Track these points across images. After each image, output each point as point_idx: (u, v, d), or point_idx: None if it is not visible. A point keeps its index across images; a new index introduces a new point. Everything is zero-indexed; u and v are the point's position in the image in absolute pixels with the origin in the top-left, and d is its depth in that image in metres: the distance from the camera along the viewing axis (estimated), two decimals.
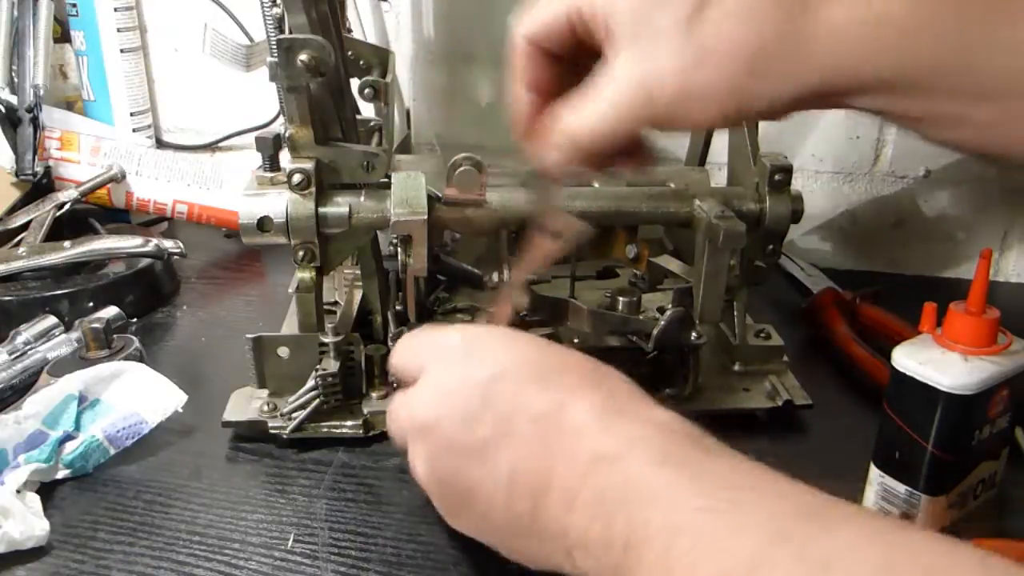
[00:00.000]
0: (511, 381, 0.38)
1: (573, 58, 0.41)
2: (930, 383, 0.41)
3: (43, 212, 0.81)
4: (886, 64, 0.35)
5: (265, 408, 0.56)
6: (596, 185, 0.60)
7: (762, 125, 0.61)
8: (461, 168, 0.50)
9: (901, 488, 0.44)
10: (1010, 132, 0.35)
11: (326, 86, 0.52)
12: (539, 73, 0.42)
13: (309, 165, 0.53)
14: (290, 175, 0.53)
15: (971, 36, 0.34)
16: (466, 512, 0.40)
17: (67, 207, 0.83)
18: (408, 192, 0.52)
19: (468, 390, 0.39)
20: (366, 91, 0.58)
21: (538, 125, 0.43)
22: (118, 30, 0.92)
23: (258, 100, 0.92)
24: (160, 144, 1.00)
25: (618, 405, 0.37)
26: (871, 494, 0.45)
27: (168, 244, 0.77)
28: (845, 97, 0.37)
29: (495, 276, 0.56)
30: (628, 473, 0.33)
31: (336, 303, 0.68)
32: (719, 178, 0.69)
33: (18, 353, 0.63)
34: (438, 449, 0.40)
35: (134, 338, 0.64)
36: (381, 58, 0.64)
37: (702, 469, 0.33)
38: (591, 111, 0.39)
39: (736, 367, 0.63)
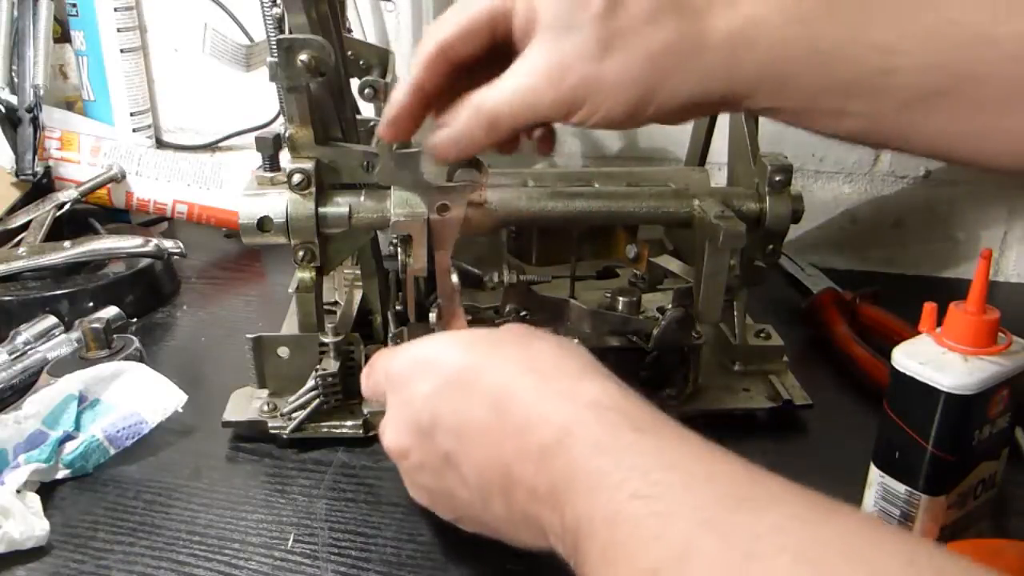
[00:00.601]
0: (452, 388, 0.39)
1: (472, 64, 0.44)
2: (930, 383, 0.41)
3: (43, 212, 0.81)
4: (762, 64, 0.39)
5: (265, 408, 0.56)
6: (596, 186, 0.60)
7: (762, 125, 0.61)
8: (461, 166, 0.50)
9: (901, 488, 0.44)
10: (884, 126, 0.39)
11: (326, 86, 0.52)
12: (436, 77, 0.44)
13: (309, 165, 0.53)
14: (290, 175, 0.53)
15: (833, 37, 0.38)
16: (461, 515, 0.42)
17: (67, 207, 0.83)
18: (408, 192, 0.52)
19: (416, 410, 0.41)
20: (366, 91, 0.58)
21: (410, 124, 0.46)
22: (118, 30, 0.92)
23: (258, 100, 0.92)
24: (160, 144, 1.00)
25: (553, 384, 0.38)
26: (871, 494, 0.45)
27: (168, 244, 0.77)
28: (744, 100, 0.40)
29: (495, 276, 0.56)
30: (570, 462, 0.34)
31: (336, 303, 0.68)
32: (719, 178, 0.69)
33: (18, 353, 0.63)
34: (414, 469, 0.42)
35: (134, 338, 0.64)
36: (381, 58, 0.64)
37: (635, 452, 0.33)
38: (506, 89, 0.42)
39: (736, 367, 0.63)
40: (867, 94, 0.38)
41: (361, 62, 0.63)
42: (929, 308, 0.43)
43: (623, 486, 0.31)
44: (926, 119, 0.38)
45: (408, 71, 0.45)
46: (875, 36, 0.37)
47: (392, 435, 0.43)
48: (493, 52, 0.43)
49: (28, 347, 0.64)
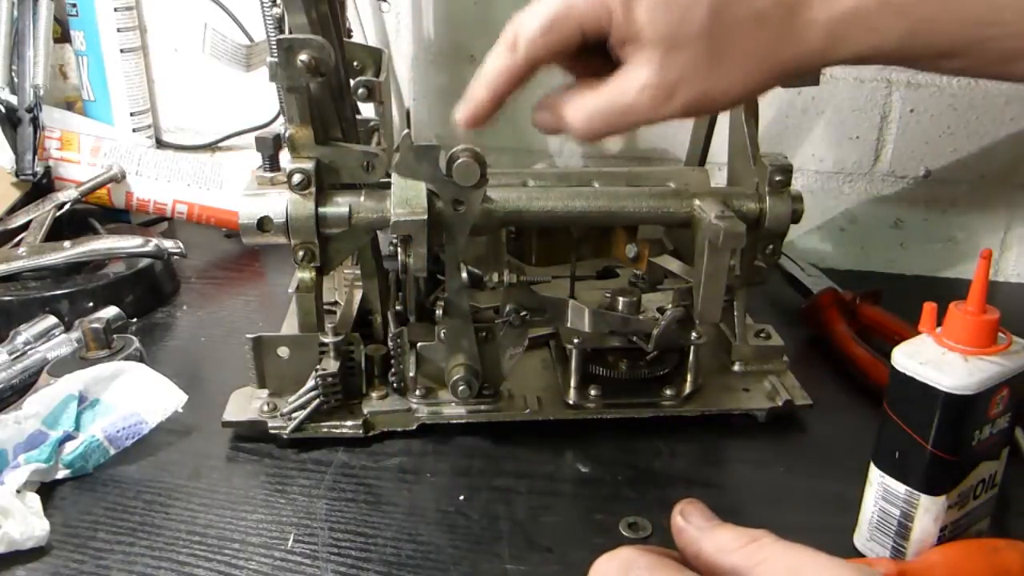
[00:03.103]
0: None
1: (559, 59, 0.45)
2: (930, 383, 0.41)
3: (43, 212, 0.81)
4: (858, 47, 0.42)
5: (265, 408, 0.56)
6: (596, 185, 0.60)
7: (762, 125, 0.61)
8: (460, 160, 0.50)
9: (901, 488, 0.44)
10: (982, 74, 0.44)
11: (326, 86, 0.52)
12: (520, 82, 0.45)
13: (309, 165, 0.53)
14: (290, 175, 0.53)
15: (929, 18, 0.41)
16: None
17: (67, 207, 0.83)
18: (408, 192, 0.52)
19: None
20: (360, 91, 0.58)
21: (488, 119, 0.47)
22: (118, 30, 0.92)
23: (258, 100, 0.92)
24: (160, 144, 1.00)
25: None
26: (871, 494, 0.45)
27: (168, 244, 0.77)
28: (859, 63, 0.43)
29: (495, 276, 0.56)
30: None
31: (336, 303, 0.68)
32: (719, 178, 0.69)
33: (18, 353, 0.63)
34: None
35: (134, 338, 0.64)
36: (375, 58, 0.64)
37: None
38: (618, 106, 0.43)
39: (736, 367, 0.63)
40: (961, 58, 0.41)
41: (355, 63, 0.63)
42: (929, 308, 0.43)
43: None
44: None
45: (488, 59, 0.45)
46: (969, 12, 0.40)
47: None
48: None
49: (28, 347, 0.64)
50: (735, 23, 0.41)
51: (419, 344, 0.57)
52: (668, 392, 0.59)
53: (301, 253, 0.54)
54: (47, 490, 0.51)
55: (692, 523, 0.34)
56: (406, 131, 0.51)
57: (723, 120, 0.67)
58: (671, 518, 0.34)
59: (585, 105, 0.45)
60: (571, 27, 0.42)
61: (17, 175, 0.84)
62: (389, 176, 0.54)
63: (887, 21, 0.40)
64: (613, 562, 0.32)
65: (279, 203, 0.53)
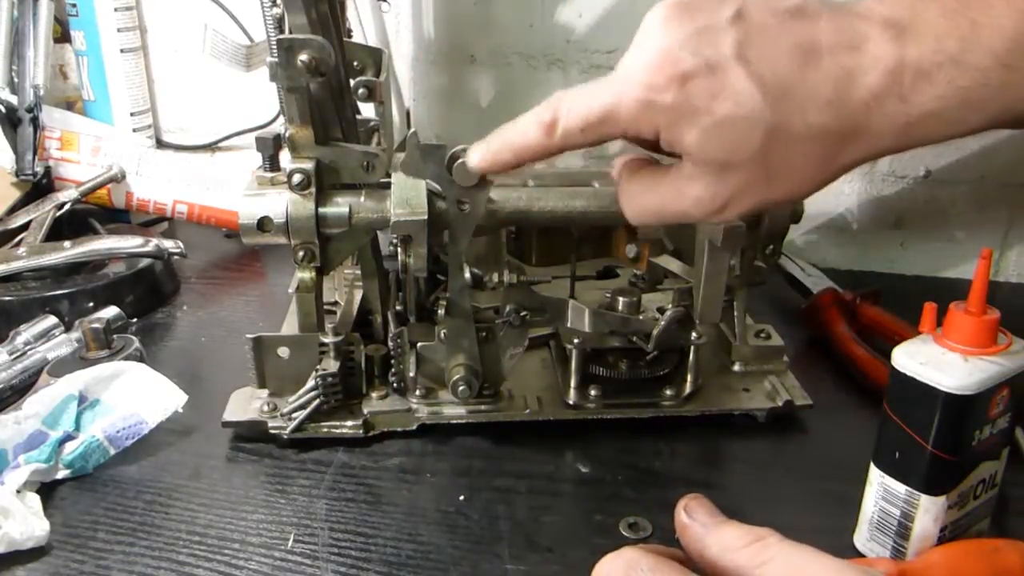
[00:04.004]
0: None
1: None
2: (930, 383, 0.41)
3: (43, 212, 0.81)
4: (924, 139, 0.38)
5: (265, 408, 0.56)
6: (596, 185, 0.60)
7: None
8: (460, 160, 0.50)
9: (901, 488, 0.43)
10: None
11: (326, 86, 0.52)
12: (553, 156, 0.44)
13: (309, 165, 0.53)
14: (290, 175, 0.53)
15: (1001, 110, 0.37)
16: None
17: (67, 207, 0.83)
18: (408, 192, 0.52)
19: None
20: (360, 91, 0.58)
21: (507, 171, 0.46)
22: (118, 30, 0.92)
23: (258, 100, 0.92)
24: (160, 144, 1.00)
25: None
26: (871, 494, 0.45)
27: (168, 244, 0.77)
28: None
29: (495, 276, 0.56)
30: None
31: (336, 303, 0.68)
32: None
33: (18, 353, 0.63)
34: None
35: (134, 338, 0.64)
36: (375, 58, 0.64)
37: None
38: (670, 207, 0.42)
39: (736, 367, 0.63)
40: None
41: (355, 63, 0.63)
42: (929, 308, 0.43)
43: None
44: None
45: (521, 124, 0.44)
46: None
47: None
48: None
49: (28, 347, 0.64)
50: (792, 142, 0.38)
51: (419, 344, 0.57)
52: (668, 392, 0.59)
53: (301, 253, 0.54)
54: (47, 490, 0.51)
55: (696, 520, 0.34)
56: (412, 130, 0.51)
57: None
58: (675, 514, 0.34)
59: (641, 202, 0.43)
60: (612, 132, 0.41)
61: (17, 175, 0.84)
62: (389, 176, 0.54)
63: (968, 116, 0.37)
64: (617, 562, 0.32)
65: (279, 203, 0.53)
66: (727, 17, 0.38)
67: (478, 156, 0.46)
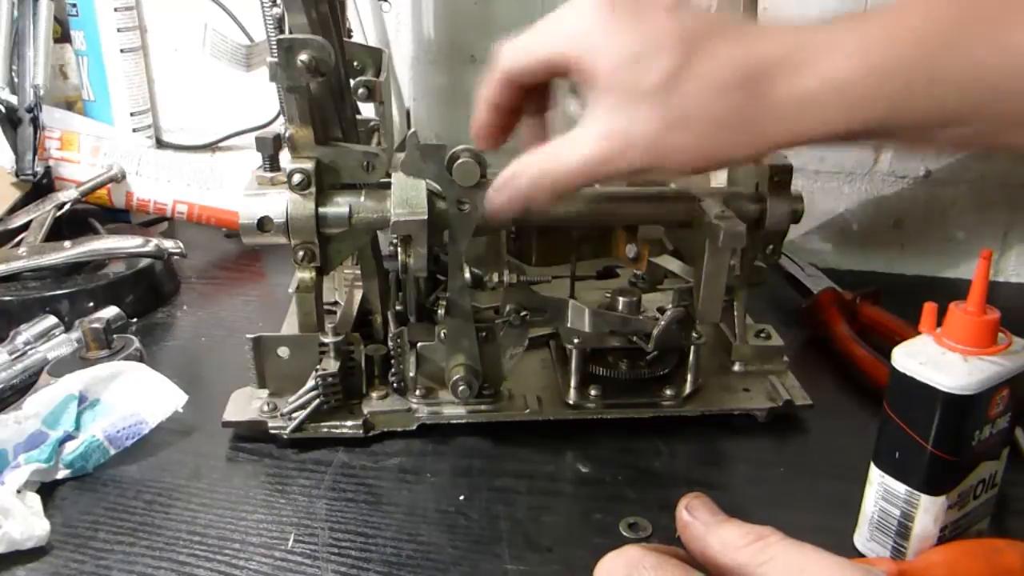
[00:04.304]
0: None
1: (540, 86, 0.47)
2: (930, 383, 0.41)
3: (43, 212, 0.81)
4: (834, 124, 0.39)
5: (265, 408, 0.56)
6: (596, 185, 0.60)
7: None
8: (460, 160, 0.50)
9: (901, 488, 0.43)
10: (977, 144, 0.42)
11: (326, 86, 0.52)
12: (506, 98, 0.46)
13: (309, 165, 0.53)
14: (290, 175, 0.53)
15: (924, 93, 0.38)
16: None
17: (67, 207, 0.83)
18: (408, 192, 0.52)
19: None
20: (360, 91, 0.58)
21: (493, 134, 0.48)
22: (118, 30, 0.92)
23: (258, 100, 0.92)
24: (160, 144, 1.00)
25: None
26: (871, 494, 0.45)
27: (168, 244, 0.77)
28: (822, 144, 0.41)
29: (495, 276, 0.56)
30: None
31: (336, 303, 0.68)
32: (719, 178, 0.69)
33: (18, 353, 0.63)
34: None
35: (134, 338, 0.64)
36: (375, 58, 0.64)
37: None
38: (571, 159, 0.43)
39: (736, 367, 0.63)
40: (963, 125, 0.38)
41: (355, 63, 0.63)
42: (929, 308, 0.43)
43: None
44: None
45: (482, 87, 0.47)
46: (975, 66, 0.37)
47: None
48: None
49: (28, 347, 0.64)
50: (696, 88, 0.39)
51: (419, 344, 0.57)
52: (668, 392, 0.59)
53: (301, 253, 0.54)
54: (47, 490, 0.51)
55: (698, 518, 0.34)
56: (413, 130, 0.51)
57: None
58: (676, 513, 0.34)
59: (546, 167, 0.44)
60: (540, 53, 0.43)
61: (17, 175, 0.84)
62: (389, 176, 0.54)
63: (871, 91, 0.38)
64: (619, 560, 0.32)
65: (279, 203, 0.53)
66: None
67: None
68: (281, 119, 0.87)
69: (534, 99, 0.48)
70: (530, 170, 0.45)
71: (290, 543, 0.47)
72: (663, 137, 0.40)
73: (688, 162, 0.41)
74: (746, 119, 0.39)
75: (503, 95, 0.46)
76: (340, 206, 0.54)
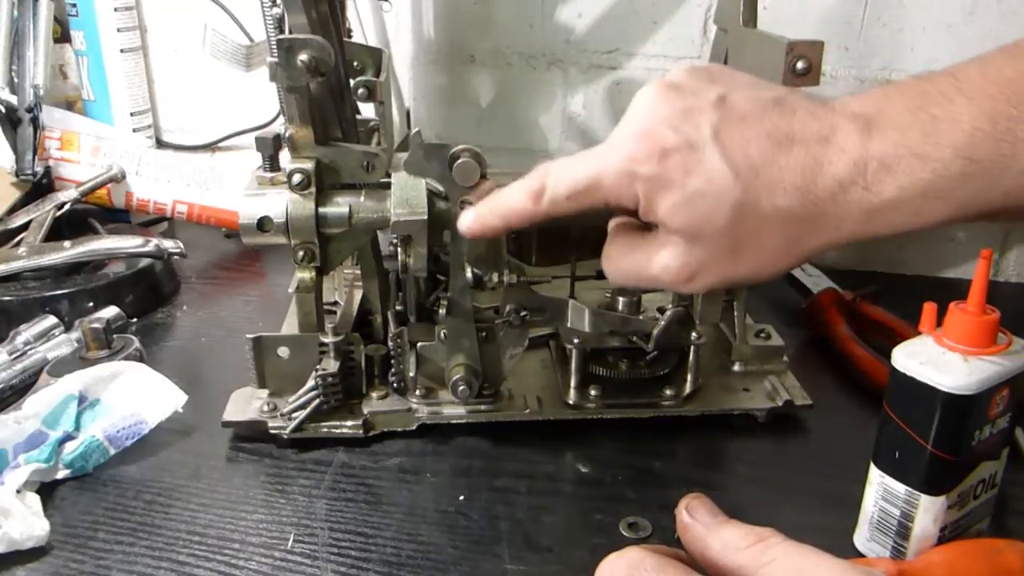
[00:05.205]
0: None
1: None
2: (930, 383, 0.41)
3: (43, 212, 0.81)
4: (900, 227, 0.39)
5: (265, 408, 0.56)
6: None
7: None
8: (460, 160, 0.50)
9: (901, 488, 0.43)
10: None
11: (326, 86, 0.52)
12: (540, 223, 0.45)
13: (309, 165, 0.53)
14: (290, 175, 0.53)
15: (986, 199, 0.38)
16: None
17: (67, 207, 0.83)
18: (408, 192, 0.52)
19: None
20: (360, 91, 0.58)
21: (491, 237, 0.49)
22: (118, 30, 0.92)
23: (258, 100, 0.92)
24: (160, 144, 1.00)
25: None
26: (871, 494, 0.45)
27: (168, 244, 0.77)
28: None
29: (495, 276, 0.56)
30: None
31: (336, 303, 0.68)
32: None
33: (18, 353, 0.63)
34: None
35: (134, 338, 0.64)
36: (374, 58, 0.64)
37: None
38: (641, 272, 0.43)
39: (736, 367, 0.63)
40: (1016, 210, 0.39)
41: (355, 63, 0.63)
42: (929, 308, 0.43)
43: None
44: None
45: (509, 193, 0.46)
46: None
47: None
48: None
49: (28, 347, 0.64)
50: (759, 221, 0.39)
51: (419, 344, 0.57)
52: (668, 392, 0.59)
53: (301, 253, 0.54)
54: (47, 490, 0.51)
55: (698, 519, 0.34)
56: (416, 129, 0.51)
57: None
58: (676, 513, 0.34)
59: (619, 263, 0.45)
60: (596, 200, 0.43)
61: (17, 175, 0.84)
62: (389, 176, 0.54)
63: (930, 206, 0.38)
64: (620, 561, 0.32)
65: (279, 203, 0.53)
66: (711, 100, 0.40)
67: (468, 221, 0.48)
68: (281, 119, 0.87)
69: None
70: (615, 269, 0.46)
71: (290, 543, 0.47)
72: (733, 267, 0.41)
73: (757, 279, 0.42)
74: (812, 233, 0.40)
75: (536, 224, 0.45)
76: (340, 206, 0.54)
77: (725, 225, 0.39)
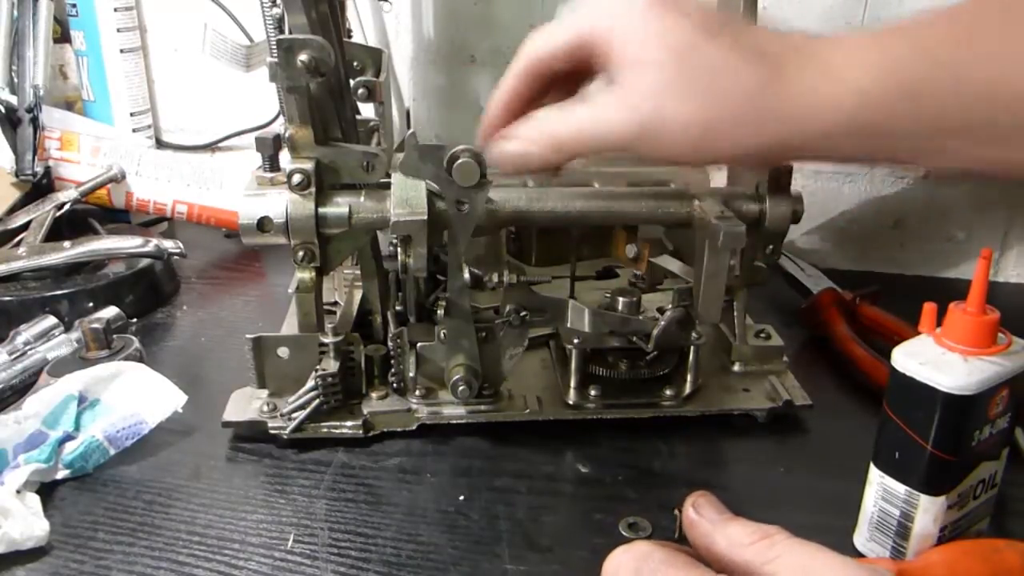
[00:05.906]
0: None
1: (559, 81, 0.46)
2: (930, 383, 0.41)
3: (43, 212, 0.81)
4: (847, 127, 0.39)
5: (265, 408, 0.56)
6: (596, 186, 0.60)
7: None
8: (460, 160, 0.50)
9: (901, 488, 0.43)
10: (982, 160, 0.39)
11: (326, 86, 0.52)
12: (527, 88, 0.46)
13: (309, 165, 0.53)
14: (290, 175, 0.53)
15: (936, 104, 0.38)
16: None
17: (67, 207, 0.83)
18: (408, 192, 0.52)
19: None
20: (360, 91, 0.58)
21: (500, 127, 0.47)
22: (118, 30, 0.92)
23: (258, 100, 0.92)
24: (160, 144, 1.00)
25: None
26: (871, 494, 0.45)
27: (168, 244, 0.77)
28: (818, 154, 0.41)
29: (495, 276, 0.56)
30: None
31: (336, 303, 0.68)
32: (719, 178, 0.69)
33: (18, 353, 0.63)
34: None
35: (134, 338, 0.64)
36: (374, 58, 0.64)
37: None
38: (580, 119, 0.43)
39: (736, 367, 0.63)
40: (962, 138, 0.38)
41: (355, 63, 0.63)
42: (929, 308, 0.43)
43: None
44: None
45: (503, 79, 0.47)
46: (983, 72, 0.37)
47: None
48: (578, 69, 0.45)
49: (28, 347, 0.64)
50: (709, 58, 0.40)
51: (419, 344, 0.57)
52: (668, 392, 0.59)
53: (301, 253, 0.54)
54: (47, 490, 0.51)
55: (704, 516, 0.34)
56: (411, 131, 0.51)
57: None
58: (683, 511, 0.35)
59: (555, 125, 0.44)
60: (566, 36, 0.43)
61: (17, 175, 0.84)
62: (389, 176, 0.54)
63: (890, 94, 0.38)
64: (628, 555, 0.32)
65: (279, 203, 0.53)
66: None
67: (479, 130, 0.48)
68: (281, 119, 0.87)
69: (555, 92, 0.47)
70: (537, 125, 0.45)
71: (290, 543, 0.47)
72: (669, 104, 0.40)
73: (689, 140, 0.41)
74: (756, 106, 0.39)
75: (525, 84, 0.46)
76: (340, 206, 0.54)
77: (677, 49, 0.40)
